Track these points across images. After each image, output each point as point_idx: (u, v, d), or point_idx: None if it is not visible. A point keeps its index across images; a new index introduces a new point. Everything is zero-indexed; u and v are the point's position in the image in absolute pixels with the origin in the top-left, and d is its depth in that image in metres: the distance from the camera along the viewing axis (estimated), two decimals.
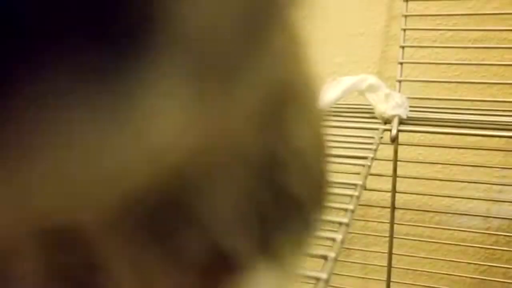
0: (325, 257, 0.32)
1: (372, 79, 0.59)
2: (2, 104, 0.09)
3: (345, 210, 0.38)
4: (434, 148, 0.72)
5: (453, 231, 0.74)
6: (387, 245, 0.69)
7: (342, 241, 0.34)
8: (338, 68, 0.75)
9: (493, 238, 0.74)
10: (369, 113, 0.61)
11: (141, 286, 0.13)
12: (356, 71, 0.64)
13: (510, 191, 0.71)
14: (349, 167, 0.49)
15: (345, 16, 0.76)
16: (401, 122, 0.58)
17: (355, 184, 0.43)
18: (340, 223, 0.36)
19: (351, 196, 0.41)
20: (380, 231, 0.74)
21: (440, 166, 0.73)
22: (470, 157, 0.71)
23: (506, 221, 0.72)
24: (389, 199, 0.68)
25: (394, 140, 0.57)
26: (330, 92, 0.60)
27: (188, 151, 0.12)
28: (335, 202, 0.40)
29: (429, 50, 0.71)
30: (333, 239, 0.34)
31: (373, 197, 0.73)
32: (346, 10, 0.76)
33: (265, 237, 0.17)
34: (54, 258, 0.12)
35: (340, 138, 0.55)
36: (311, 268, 0.31)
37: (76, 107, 0.09)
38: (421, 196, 0.74)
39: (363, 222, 0.77)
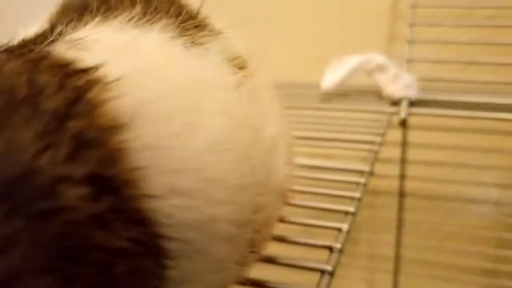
0: (330, 248, 0.31)
1: (380, 59, 0.57)
2: None
3: (352, 198, 0.36)
4: (444, 131, 0.69)
5: (463, 218, 0.72)
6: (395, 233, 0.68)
7: (349, 231, 0.33)
8: (342, 47, 0.72)
9: (505, 225, 0.71)
10: (376, 94, 0.59)
11: None
12: (362, 50, 0.62)
13: None
14: (355, 152, 0.47)
15: None
16: (410, 104, 0.56)
17: (361, 171, 0.41)
18: (347, 212, 0.34)
19: (357, 183, 0.39)
20: (388, 219, 0.72)
21: (451, 150, 0.70)
22: (482, 141, 0.69)
23: None
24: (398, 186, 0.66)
25: (403, 123, 0.55)
26: (335, 72, 0.58)
27: None
28: (341, 189, 0.38)
29: (439, 28, 0.68)
30: (339, 229, 0.33)
31: (381, 184, 0.71)
32: None
33: None
34: None
35: (345, 121, 0.53)
36: (316, 259, 0.29)
37: None
38: (431, 182, 0.72)
39: (370, 210, 0.75)
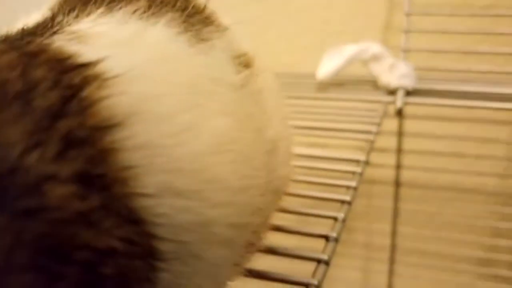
0: (326, 237, 0.31)
1: (376, 48, 0.57)
2: None
3: (348, 187, 0.36)
4: (441, 121, 0.69)
5: (459, 208, 0.72)
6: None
7: (344, 220, 0.33)
8: (338, 36, 0.72)
9: (500, 214, 0.72)
10: (372, 84, 0.59)
11: None
12: (358, 40, 0.61)
13: None
14: (351, 142, 0.47)
15: None
16: (407, 93, 0.56)
17: (357, 160, 0.40)
18: (343, 202, 0.34)
19: (353, 172, 0.39)
20: (384, 208, 0.72)
21: (447, 140, 0.70)
22: (478, 130, 0.69)
23: None
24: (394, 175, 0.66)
25: (399, 113, 0.54)
26: (331, 62, 0.57)
27: None
28: (337, 179, 0.38)
29: (436, 18, 0.68)
30: (335, 218, 0.33)
31: (377, 173, 0.71)
32: None
33: None
34: None
35: (341, 111, 0.53)
36: (312, 249, 0.30)
37: None
38: (427, 171, 0.72)
39: (366, 200, 0.75)
